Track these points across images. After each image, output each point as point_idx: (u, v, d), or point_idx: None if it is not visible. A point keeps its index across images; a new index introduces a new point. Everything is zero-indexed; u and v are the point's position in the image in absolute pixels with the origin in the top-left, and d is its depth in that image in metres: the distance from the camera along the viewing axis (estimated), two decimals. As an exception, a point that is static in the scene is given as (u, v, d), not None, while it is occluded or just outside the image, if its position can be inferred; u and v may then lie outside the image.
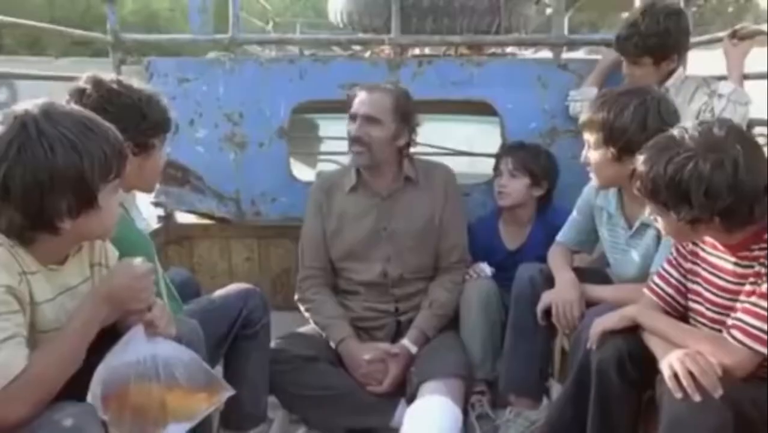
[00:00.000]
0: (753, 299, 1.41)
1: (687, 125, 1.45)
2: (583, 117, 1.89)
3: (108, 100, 1.59)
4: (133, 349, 1.34)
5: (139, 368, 1.33)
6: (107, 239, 1.46)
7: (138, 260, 1.40)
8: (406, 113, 2.27)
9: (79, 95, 1.61)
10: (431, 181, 2.36)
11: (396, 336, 2.31)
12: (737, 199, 1.34)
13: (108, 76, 1.70)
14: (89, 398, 1.28)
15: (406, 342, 2.23)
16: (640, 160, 1.46)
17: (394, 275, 2.32)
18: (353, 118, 2.26)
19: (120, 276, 1.37)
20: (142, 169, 1.68)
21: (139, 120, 1.62)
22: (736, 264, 1.47)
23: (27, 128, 1.22)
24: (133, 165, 1.45)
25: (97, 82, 1.64)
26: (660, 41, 2.22)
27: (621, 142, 1.77)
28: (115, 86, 1.64)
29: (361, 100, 2.26)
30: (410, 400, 2.09)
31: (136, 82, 1.72)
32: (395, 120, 2.25)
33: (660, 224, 1.52)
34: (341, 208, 2.35)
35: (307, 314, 2.35)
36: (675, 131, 1.44)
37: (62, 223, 1.27)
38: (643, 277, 1.83)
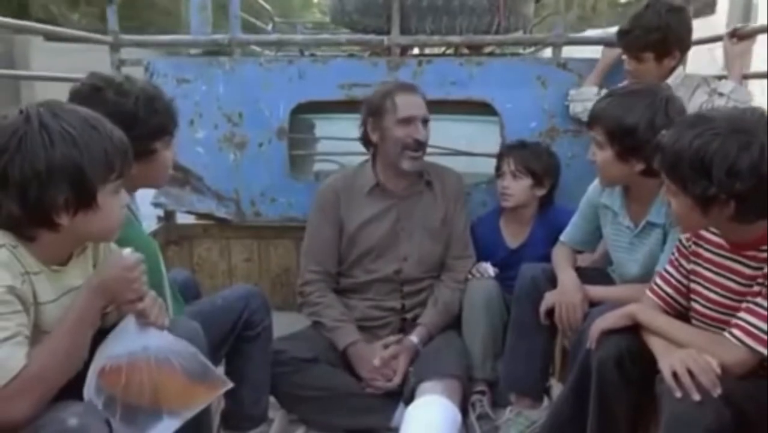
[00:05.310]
0: (758, 299, 1.40)
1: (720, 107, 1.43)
2: (591, 115, 1.89)
3: (103, 107, 1.52)
4: (125, 339, 1.34)
5: (131, 357, 1.33)
6: (111, 241, 1.46)
7: (127, 251, 1.40)
8: None
9: (72, 97, 1.60)
10: (445, 185, 2.41)
11: (400, 334, 2.31)
12: (757, 185, 1.32)
13: (108, 76, 1.68)
14: (85, 391, 1.28)
15: (413, 338, 2.26)
16: (664, 134, 1.44)
17: (407, 273, 2.34)
18: (422, 122, 2.28)
19: (111, 268, 1.37)
20: (146, 171, 1.67)
21: (132, 126, 1.55)
22: (746, 265, 1.46)
23: (30, 121, 1.24)
24: (135, 169, 1.44)
25: (94, 86, 1.62)
26: (661, 36, 2.21)
27: (627, 142, 1.76)
28: (110, 92, 1.61)
29: (417, 103, 2.28)
30: (407, 400, 2.09)
31: (140, 82, 1.69)
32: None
33: (672, 205, 1.48)
34: (361, 209, 2.35)
35: (311, 318, 2.35)
36: (706, 111, 1.42)
37: (59, 218, 1.27)
38: (646, 276, 1.83)
